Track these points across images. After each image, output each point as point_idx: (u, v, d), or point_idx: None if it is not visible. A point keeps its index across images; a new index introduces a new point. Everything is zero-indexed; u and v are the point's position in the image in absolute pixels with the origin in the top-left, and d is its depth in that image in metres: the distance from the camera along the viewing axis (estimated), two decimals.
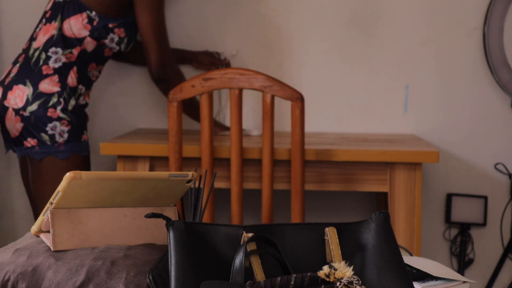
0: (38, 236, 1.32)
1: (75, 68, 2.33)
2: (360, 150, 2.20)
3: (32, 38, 2.40)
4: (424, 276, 1.38)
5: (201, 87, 2.06)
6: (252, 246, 1.17)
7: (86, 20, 2.33)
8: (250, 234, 1.17)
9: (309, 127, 2.52)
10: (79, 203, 1.25)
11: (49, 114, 2.26)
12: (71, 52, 2.33)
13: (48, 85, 2.28)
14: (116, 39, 2.38)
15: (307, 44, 2.76)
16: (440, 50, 2.73)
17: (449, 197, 2.76)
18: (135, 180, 1.27)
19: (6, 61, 2.82)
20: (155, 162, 2.26)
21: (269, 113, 2.05)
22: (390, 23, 2.73)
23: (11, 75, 2.35)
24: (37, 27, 2.43)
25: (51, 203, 1.24)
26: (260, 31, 2.76)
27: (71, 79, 2.32)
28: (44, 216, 1.28)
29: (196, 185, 1.40)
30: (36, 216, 2.39)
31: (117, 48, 2.41)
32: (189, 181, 1.32)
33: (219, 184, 2.22)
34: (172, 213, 1.36)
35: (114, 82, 2.82)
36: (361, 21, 2.74)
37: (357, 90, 2.76)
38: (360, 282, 1.12)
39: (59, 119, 2.27)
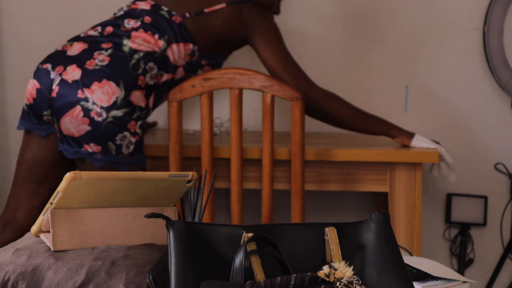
0: (38, 236, 1.32)
1: (155, 91, 2.17)
2: (360, 150, 2.20)
3: (121, 31, 2.18)
4: (424, 276, 1.38)
5: (201, 87, 2.06)
6: (252, 246, 1.17)
7: (189, 51, 2.20)
8: (250, 234, 1.17)
9: (309, 127, 2.52)
10: (79, 203, 1.25)
11: (129, 126, 2.08)
12: (161, 75, 2.16)
13: (139, 98, 2.11)
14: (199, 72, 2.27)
15: (307, 44, 2.76)
16: (440, 50, 2.73)
17: (449, 197, 2.76)
18: (135, 180, 1.27)
19: (6, 60, 2.82)
20: (155, 162, 2.26)
21: (269, 113, 2.05)
22: (390, 23, 2.73)
23: (98, 62, 2.10)
24: (123, 19, 2.22)
25: (51, 203, 1.24)
26: None
27: (150, 101, 2.17)
28: (44, 216, 1.28)
29: (196, 185, 1.40)
30: None
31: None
32: (189, 181, 1.32)
33: (219, 184, 2.22)
34: (172, 213, 1.36)
35: None
36: (361, 21, 2.74)
37: (357, 90, 2.76)
38: (360, 282, 1.12)
39: (134, 134, 2.10)
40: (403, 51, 2.74)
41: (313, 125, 2.73)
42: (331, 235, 1.20)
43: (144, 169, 2.19)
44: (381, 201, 2.69)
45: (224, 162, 2.16)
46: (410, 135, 2.25)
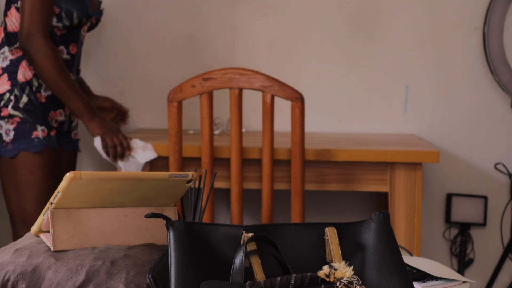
0: (38, 236, 1.32)
1: (24, 62, 2.27)
2: (360, 150, 2.20)
3: None
4: (424, 276, 1.38)
5: (201, 87, 2.06)
6: (252, 246, 1.17)
7: (11, 9, 2.27)
8: (250, 234, 1.17)
9: (309, 127, 2.53)
10: (79, 203, 1.25)
11: (2, 114, 2.23)
12: (16, 48, 2.27)
13: None
14: (54, 18, 2.27)
15: (307, 44, 2.76)
16: (440, 50, 2.73)
17: (449, 197, 2.76)
18: (135, 180, 1.27)
19: None
20: (155, 162, 2.26)
21: (269, 113, 2.05)
22: (390, 23, 2.73)
23: None
24: None
25: (51, 203, 1.24)
26: (260, 31, 2.76)
27: (22, 74, 2.26)
28: (44, 216, 1.28)
29: (196, 185, 1.40)
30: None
31: (61, 24, 2.28)
32: (189, 181, 1.32)
33: (219, 184, 2.22)
34: (172, 213, 1.36)
35: (114, 82, 2.82)
36: (361, 21, 2.74)
37: (357, 90, 2.76)
38: (360, 282, 1.12)
39: (10, 116, 2.23)
40: (403, 51, 2.74)
41: (313, 125, 2.73)
42: (331, 235, 1.20)
43: (41, 155, 2.24)
44: (381, 201, 2.69)
45: (224, 162, 2.16)
46: (96, 133, 2.24)
